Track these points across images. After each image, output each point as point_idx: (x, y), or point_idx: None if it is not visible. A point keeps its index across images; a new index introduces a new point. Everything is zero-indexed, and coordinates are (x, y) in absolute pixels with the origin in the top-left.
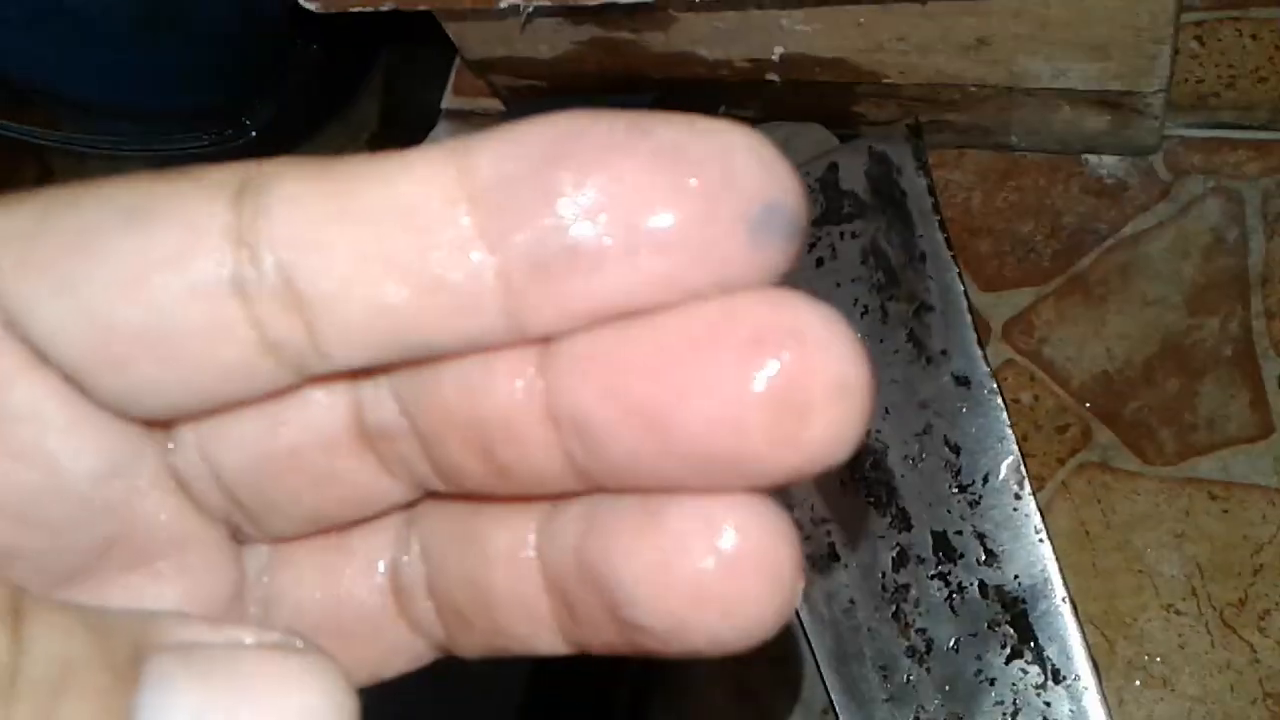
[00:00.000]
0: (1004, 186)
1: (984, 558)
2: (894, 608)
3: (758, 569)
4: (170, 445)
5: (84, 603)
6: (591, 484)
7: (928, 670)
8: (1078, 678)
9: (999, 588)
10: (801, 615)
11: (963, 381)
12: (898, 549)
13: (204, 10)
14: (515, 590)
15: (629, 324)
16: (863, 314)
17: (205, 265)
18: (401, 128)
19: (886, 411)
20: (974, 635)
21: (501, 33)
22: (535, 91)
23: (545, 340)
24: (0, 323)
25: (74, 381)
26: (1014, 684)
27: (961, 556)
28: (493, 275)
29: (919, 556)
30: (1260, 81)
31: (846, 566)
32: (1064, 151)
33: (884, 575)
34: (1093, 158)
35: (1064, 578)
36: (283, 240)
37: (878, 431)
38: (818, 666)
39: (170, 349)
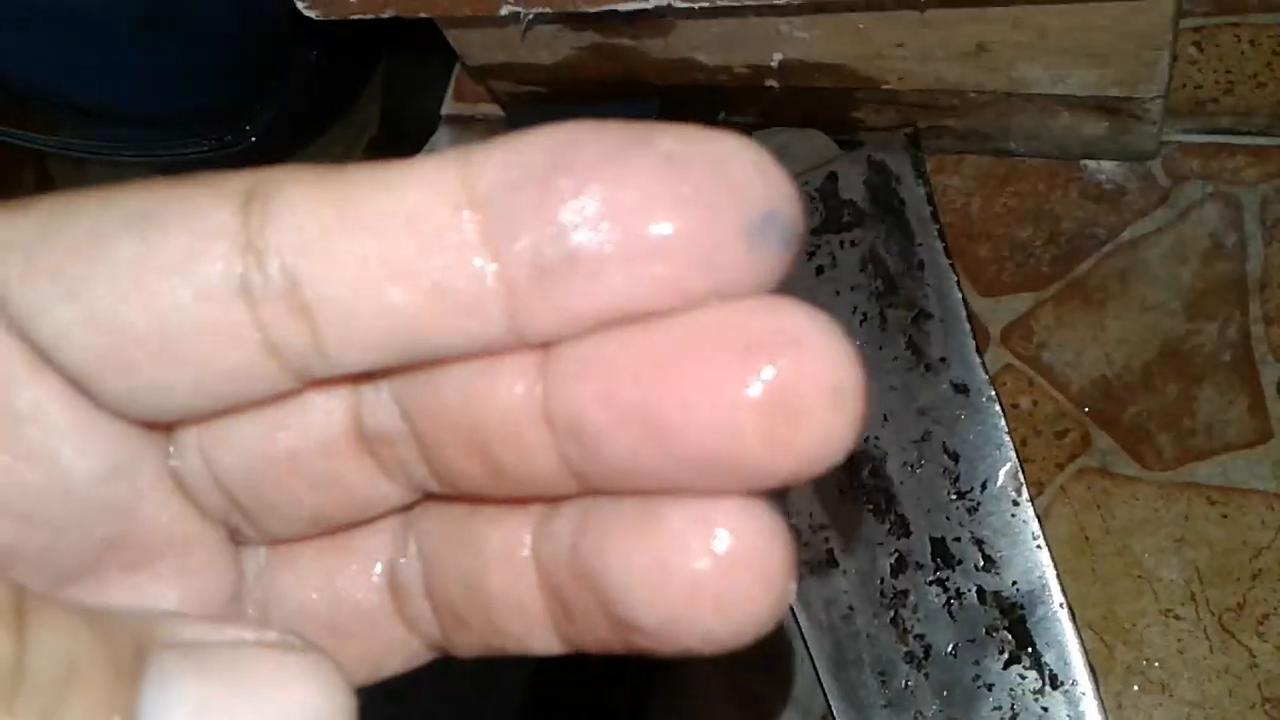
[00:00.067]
0: (1003, 192)
1: (982, 564)
2: (892, 613)
3: (752, 569)
4: (171, 448)
5: (85, 602)
6: (588, 486)
7: (926, 676)
8: (1075, 683)
9: (997, 594)
10: (800, 620)
11: (961, 389)
12: (896, 555)
13: (204, 14)
14: (511, 590)
15: (628, 329)
16: (862, 321)
17: (212, 269)
18: (402, 133)
19: (885, 418)
20: (972, 641)
21: (502, 39)
22: (535, 97)
23: (545, 345)
24: (5, 326)
25: (78, 384)
26: (1012, 689)
27: (960, 563)
28: (495, 281)
29: (917, 562)
30: (1259, 87)
31: (845, 572)
32: (1063, 157)
33: (882, 581)
34: (1091, 163)
35: (1062, 583)
36: (289, 245)
37: (876, 438)
38: (816, 672)
39: (175, 352)
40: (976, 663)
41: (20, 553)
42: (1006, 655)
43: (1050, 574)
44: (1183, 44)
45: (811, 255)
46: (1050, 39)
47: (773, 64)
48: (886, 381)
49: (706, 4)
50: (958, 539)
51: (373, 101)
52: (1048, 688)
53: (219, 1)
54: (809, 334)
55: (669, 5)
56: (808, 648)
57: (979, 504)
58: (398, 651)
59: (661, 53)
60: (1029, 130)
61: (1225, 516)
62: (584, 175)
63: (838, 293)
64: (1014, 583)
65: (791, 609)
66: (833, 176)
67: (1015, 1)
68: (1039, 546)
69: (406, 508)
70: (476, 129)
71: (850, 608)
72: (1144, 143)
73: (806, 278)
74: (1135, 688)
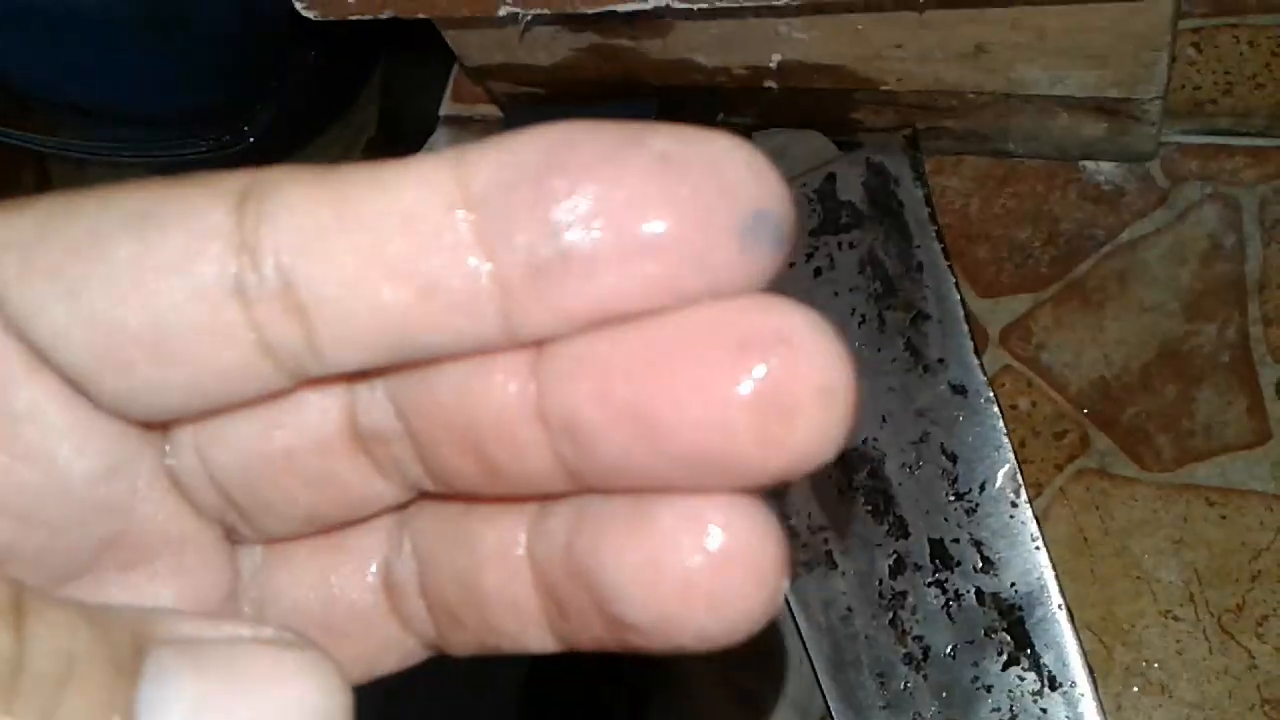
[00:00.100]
0: (1002, 193)
1: (981, 565)
2: (891, 615)
3: (745, 566)
4: (167, 447)
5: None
6: (582, 484)
7: (924, 677)
8: (1074, 684)
9: (996, 595)
10: (799, 622)
11: (959, 390)
12: (895, 556)
13: (203, 15)
14: (506, 588)
15: (621, 328)
16: (860, 323)
17: (207, 269)
18: (400, 134)
19: (884, 420)
20: (971, 642)
21: (500, 40)
22: (534, 98)
23: (539, 343)
24: (3, 326)
25: (75, 384)
26: (1010, 691)
27: (958, 564)
28: (489, 280)
29: (916, 564)
30: (1257, 88)
31: (843, 574)
32: (1062, 158)
33: (881, 582)
34: (1090, 164)
35: (1060, 585)
36: (284, 245)
37: (875, 439)
38: (815, 673)
39: (171, 352)
40: (975, 664)
41: (18, 552)
42: (1005, 657)
43: (1049, 575)
44: (1181, 45)
45: (810, 257)
46: (1049, 40)
47: (771, 65)
48: (885, 383)
49: (705, 5)
50: (956, 540)
51: (371, 102)
52: (1046, 689)
53: (218, 2)
54: (800, 333)
55: (667, 6)
56: (806, 649)
57: (977, 505)
58: (393, 650)
59: (660, 54)
60: (1028, 131)
61: (1224, 518)
62: (578, 175)
63: (836, 294)
64: (1012, 584)
65: (790, 610)
66: (831, 178)
67: (1014, 2)
68: (1037, 548)
69: (402, 506)
70: (475, 130)
71: (849, 609)
72: (1143, 144)
73: (804, 279)
74: (1134, 689)
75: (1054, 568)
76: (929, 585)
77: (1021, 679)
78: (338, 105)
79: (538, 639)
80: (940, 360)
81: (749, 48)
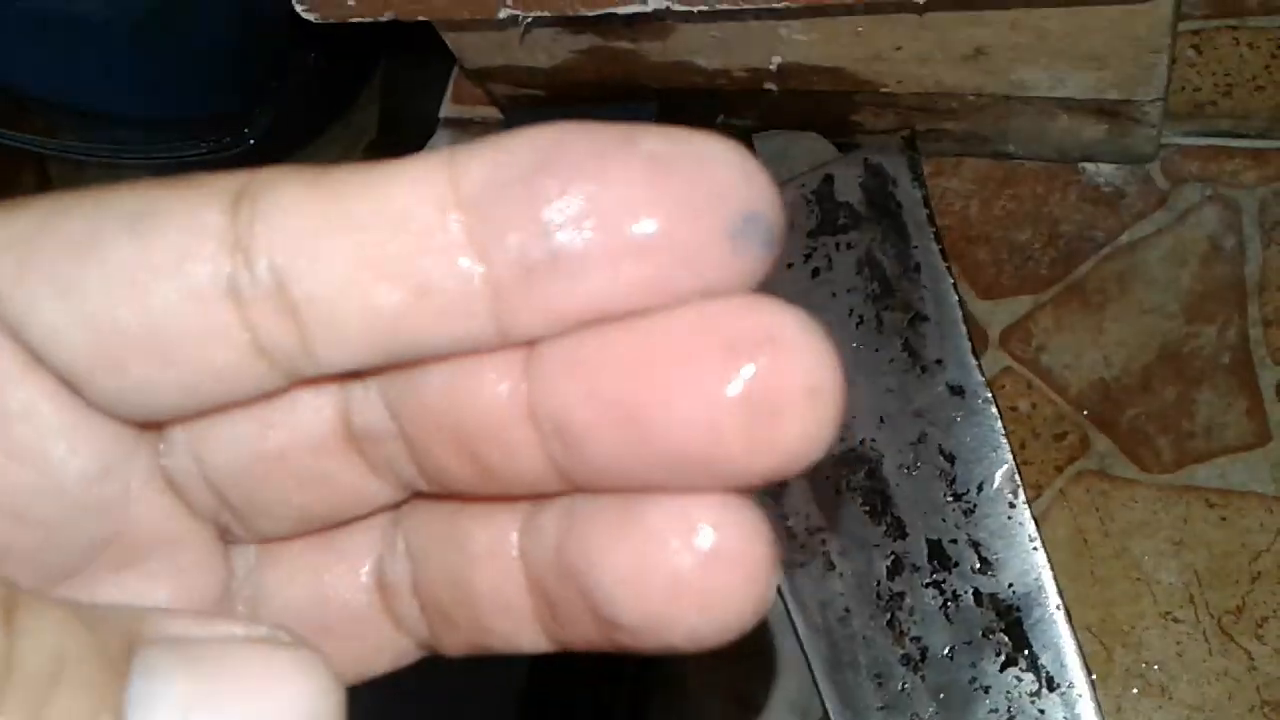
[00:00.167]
0: (1002, 195)
1: (978, 566)
2: (889, 616)
3: (734, 566)
4: (162, 447)
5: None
6: (572, 484)
7: (922, 678)
8: (1072, 685)
9: (993, 596)
10: (796, 623)
11: (957, 391)
12: (892, 557)
13: (204, 18)
14: (498, 588)
15: (611, 328)
16: (858, 324)
17: (201, 269)
18: (400, 136)
19: (881, 420)
20: (968, 643)
21: (500, 42)
22: (533, 100)
23: (530, 344)
24: None
25: (69, 383)
26: (1008, 692)
27: (956, 565)
28: (481, 280)
29: (914, 565)
30: (1257, 90)
31: (841, 574)
32: (1062, 160)
33: (879, 583)
34: (1090, 166)
35: (1058, 585)
36: (277, 245)
37: (872, 440)
38: (812, 674)
39: (165, 351)
40: (973, 665)
41: (12, 551)
42: (1003, 657)
43: (1047, 576)
44: (1181, 47)
45: (807, 258)
46: (1049, 42)
47: (771, 67)
48: (882, 384)
49: (705, 7)
50: (954, 541)
51: (371, 104)
52: (1044, 690)
53: (218, 5)
54: (789, 333)
55: (667, 8)
56: (803, 650)
57: (975, 506)
58: (386, 650)
59: (660, 56)
60: (1028, 133)
61: (1224, 519)
62: (569, 175)
63: (833, 295)
64: (1010, 585)
65: (787, 611)
66: (829, 179)
67: (1014, 4)
68: (1035, 548)
69: (395, 506)
70: (475, 132)
71: (846, 610)
72: (1143, 145)
73: (802, 280)
74: (1134, 690)
75: (1052, 568)
76: (927, 586)
77: (1019, 680)
78: (338, 107)
79: (530, 639)
80: (938, 361)
81: (749, 50)
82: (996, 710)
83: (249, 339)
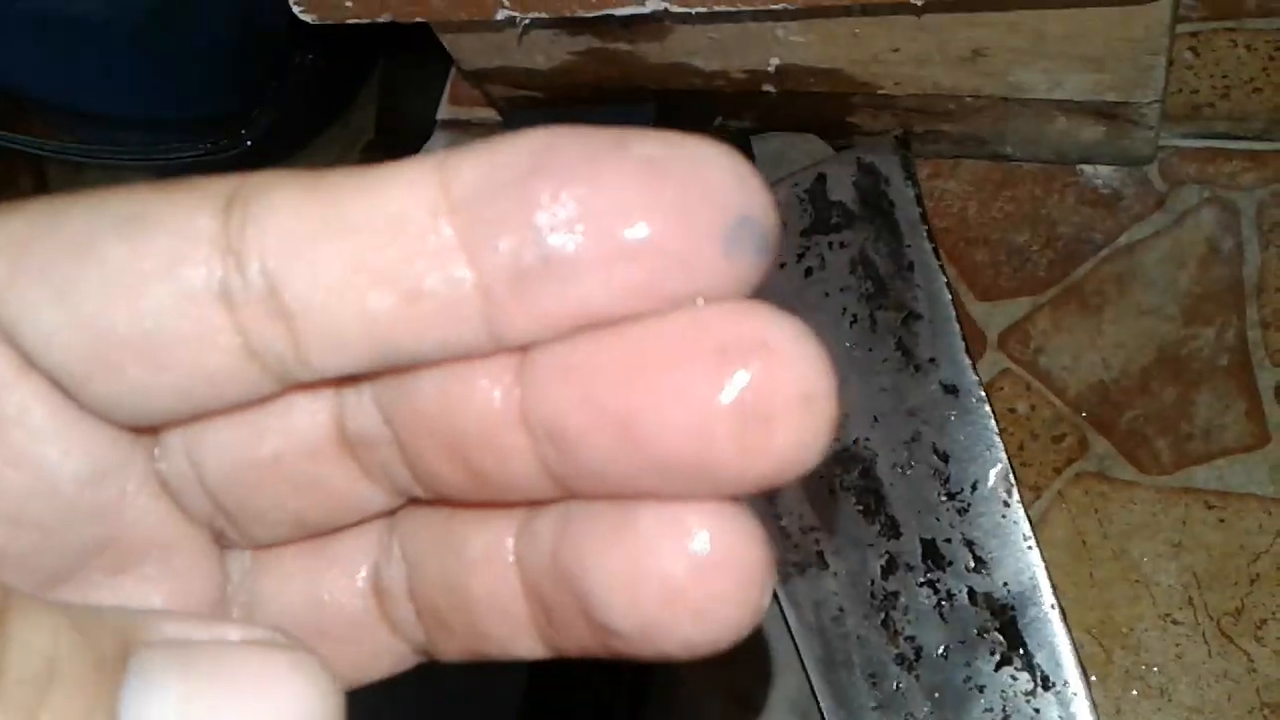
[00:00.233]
0: (999, 196)
1: (973, 565)
2: (883, 615)
3: (728, 573)
4: (157, 451)
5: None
6: (566, 490)
7: (917, 678)
8: (1067, 684)
9: (988, 595)
10: (790, 623)
11: (951, 390)
12: (886, 556)
13: (202, 20)
14: (493, 594)
15: (604, 333)
16: (851, 323)
17: (193, 273)
18: (397, 138)
19: (875, 420)
20: (963, 642)
21: (498, 43)
22: (531, 102)
23: (523, 349)
24: None
25: (63, 387)
26: (1003, 691)
27: (950, 564)
28: (473, 285)
29: (908, 564)
30: (1255, 92)
31: (835, 574)
32: (1059, 161)
33: (873, 583)
34: (1088, 168)
35: (1053, 584)
36: (269, 249)
37: (866, 440)
38: (806, 674)
39: (158, 355)
40: (968, 664)
41: (6, 554)
42: (998, 657)
43: (1041, 575)
44: (1179, 49)
45: (801, 257)
46: (1047, 44)
47: (769, 69)
48: (876, 383)
49: (702, 9)
50: (948, 540)
51: (369, 105)
52: (1039, 689)
53: (217, 6)
54: (782, 340)
55: (665, 10)
56: (798, 650)
57: (969, 505)
58: (383, 656)
59: (658, 58)
60: (1025, 135)
61: (1223, 521)
62: (561, 179)
63: (827, 294)
64: (1005, 584)
65: (781, 611)
66: (821, 178)
67: (1012, 6)
68: (1030, 547)
69: (391, 512)
70: (473, 133)
71: (840, 609)
72: (1140, 147)
73: (795, 279)
74: (1134, 692)
75: (1047, 568)
76: (921, 585)
77: (1014, 679)
78: (336, 108)
79: (526, 645)
80: (932, 360)
81: (747, 52)
82: (991, 710)
83: (241, 343)
